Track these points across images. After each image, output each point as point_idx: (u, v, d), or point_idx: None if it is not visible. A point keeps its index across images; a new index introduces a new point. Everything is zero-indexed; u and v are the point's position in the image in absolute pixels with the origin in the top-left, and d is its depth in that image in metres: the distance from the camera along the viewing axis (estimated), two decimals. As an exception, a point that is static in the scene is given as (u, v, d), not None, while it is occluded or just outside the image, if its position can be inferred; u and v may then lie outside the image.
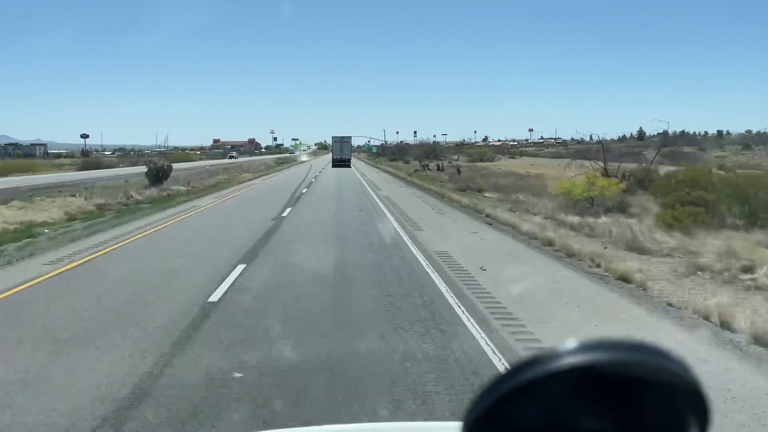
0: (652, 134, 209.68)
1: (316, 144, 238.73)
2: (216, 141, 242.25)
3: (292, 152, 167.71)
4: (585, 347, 0.63)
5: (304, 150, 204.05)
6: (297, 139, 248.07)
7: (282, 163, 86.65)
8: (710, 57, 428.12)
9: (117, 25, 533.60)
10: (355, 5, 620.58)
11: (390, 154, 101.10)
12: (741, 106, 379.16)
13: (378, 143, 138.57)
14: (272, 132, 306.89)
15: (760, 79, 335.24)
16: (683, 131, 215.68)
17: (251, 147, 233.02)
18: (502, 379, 0.64)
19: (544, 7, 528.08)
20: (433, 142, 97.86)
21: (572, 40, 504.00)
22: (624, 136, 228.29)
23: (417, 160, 75.44)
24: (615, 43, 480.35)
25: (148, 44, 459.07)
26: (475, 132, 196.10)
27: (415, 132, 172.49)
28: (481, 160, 74.37)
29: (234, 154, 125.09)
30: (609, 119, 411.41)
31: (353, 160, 69.73)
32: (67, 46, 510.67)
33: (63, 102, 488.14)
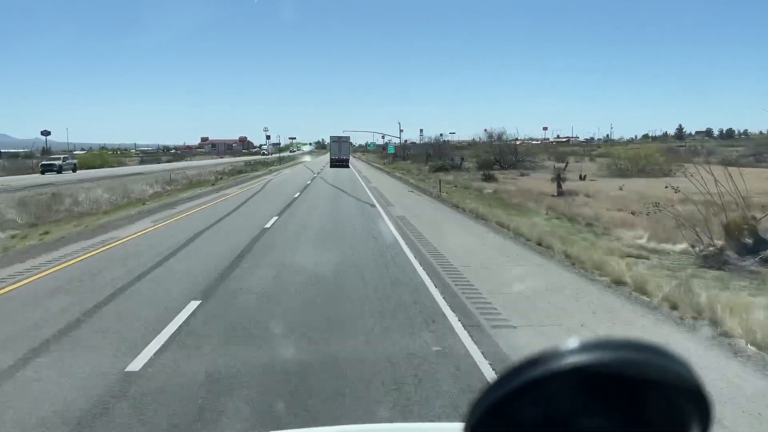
0: (690, 133, 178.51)
1: (312, 143, 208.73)
2: (204, 139, 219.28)
3: (266, 153, 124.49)
4: (587, 347, 0.62)
5: (296, 150, 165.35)
6: (294, 138, 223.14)
7: (224, 178, 47.15)
8: (710, 57, 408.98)
9: (113, 25, 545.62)
10: (355, 5, 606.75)
11: (423, 158, 61.53)
12: (741, 106, 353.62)
13: (381, 142, 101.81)
14: (266, 130, 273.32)
15: (760, 79, 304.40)
16: (730, 129, 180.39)
17: (241, 146, 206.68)
18: (503, 379, 0.63)
19: (545, 7, 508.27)
20: (494, 139, 57.10)
21: (573, 40, 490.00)
22: (647, 135, 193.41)
23: (482, 169, 36.61)
24: (615, 42, 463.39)
25: (147, 44, 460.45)
26: (485, 131, 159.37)
27: (421, 130, 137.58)
28: (642, 171, 35.11)
29: (60, 161, 52.37)
30: (609, 118, 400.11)
31: (360, 166, 55.61)
32: (66, 45, 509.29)
33: (62, 101, 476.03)
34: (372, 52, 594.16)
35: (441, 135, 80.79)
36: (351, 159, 74.81)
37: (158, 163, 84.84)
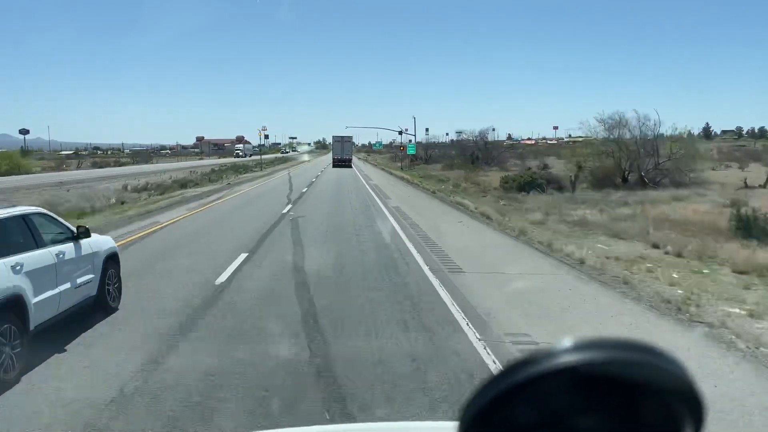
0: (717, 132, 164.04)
1: (313, 143, 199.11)
2: (199, 139, 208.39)
3: (240, 155, 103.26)
4: (580, 346, 0.62)
5: (289, 151, 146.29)
6: (294, 138, 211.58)
7: (125, 205, 27.31)
8: (710, 56, 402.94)
9: (115, 24, 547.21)
10: (355, 5, 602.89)
11: (459, 162, 41.92)
12: (742, 105, 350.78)
13: (387, 140, 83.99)
14: (264, 129, 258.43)
15: (760, 79, 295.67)
16: (762, 128, 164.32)
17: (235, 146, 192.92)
18: (497, 379, 0.63)
19: (545, 7, 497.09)
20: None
21: (574, 40, 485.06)
22: (661, 134, 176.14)
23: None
24: (616, 42, 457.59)
25: (148, 44, 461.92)
26: (494, 130, 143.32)
27: (426, 129, 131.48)
28: None
29: None
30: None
31: (373, 175, 45.99)
32: (67, 45, 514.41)
33: (62, 101, 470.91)
34: (372, 52, 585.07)
35: (493, 129, 62.46)
36: (356, 161, 71.27)
37: (109, 167, 65.75)
